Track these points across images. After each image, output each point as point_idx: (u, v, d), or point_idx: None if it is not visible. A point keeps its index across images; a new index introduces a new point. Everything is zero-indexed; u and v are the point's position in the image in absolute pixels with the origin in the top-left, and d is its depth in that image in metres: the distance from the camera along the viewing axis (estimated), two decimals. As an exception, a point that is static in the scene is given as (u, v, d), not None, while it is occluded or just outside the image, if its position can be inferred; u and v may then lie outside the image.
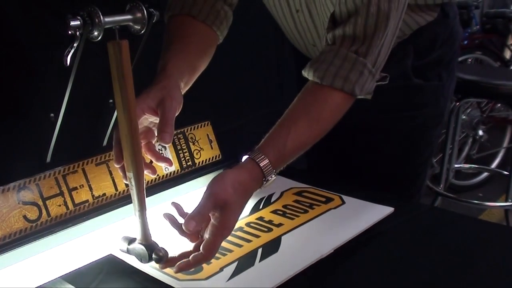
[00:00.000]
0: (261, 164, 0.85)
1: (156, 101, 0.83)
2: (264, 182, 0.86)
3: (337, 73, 0.90)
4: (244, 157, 0.87)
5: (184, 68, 0.93)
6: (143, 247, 0.82)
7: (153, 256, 0.81)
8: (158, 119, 0.82)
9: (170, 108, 0.82)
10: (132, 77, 0.77)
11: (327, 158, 1.36)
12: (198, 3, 1.00)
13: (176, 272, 0.81)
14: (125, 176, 0.82)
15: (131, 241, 0.84)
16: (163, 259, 0.81)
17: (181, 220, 0.82)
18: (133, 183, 0.81)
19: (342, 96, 0.92)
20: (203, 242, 0.80)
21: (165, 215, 0.84)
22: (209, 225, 0.81)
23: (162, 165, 0.92)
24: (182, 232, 0.82)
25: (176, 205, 0.85)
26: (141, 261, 0.83)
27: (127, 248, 0.84)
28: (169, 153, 1.12)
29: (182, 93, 0.91)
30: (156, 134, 0.83)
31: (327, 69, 0.91)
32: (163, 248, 0.82)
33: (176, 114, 0.85)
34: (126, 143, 0.79)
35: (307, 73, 0.94)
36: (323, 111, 0.92)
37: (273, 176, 0.87)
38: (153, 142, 0.88)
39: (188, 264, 0.80)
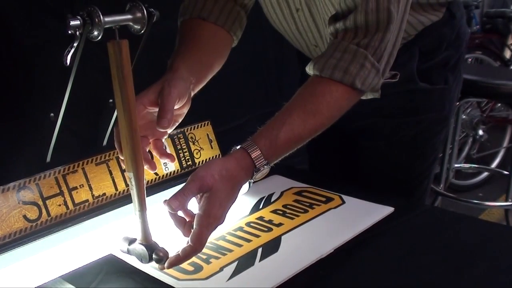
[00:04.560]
0: (252, 155, 0.83)
1: (156, 93, 0.84)
2: (255, 173, 0.84)
3: (336, 65, 0.88)
4: (237, 147, 0.85)
5: (194, 65, 0.93)
6: (143, 248, 0.82)
7: (154, 256, 0.81)
8: None
9: (168, 95, 0.82)
10: (132, 77, 0.77)
11: (331, 162, 1.35)
12: (208, 6, 1.01)
13: (168, 268, 0.80)
14: (126, 167, 0.82)
15: (131, 241, 0.84)
16: (164, 260, 0.80)
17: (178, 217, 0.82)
18: (133, 183, 0.81)
19: (342, 89, 0.89)
20: (191, 234, 0.78)
21: (165, 202, 0.81)
22: (195, 216, 0.79)
23: (165, 161, 0.93)
24: (178, 223, 0.81)
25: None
26: (142, 262, 0.83)
27: (128, 249, 0.84)
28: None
29: (196, 89, 0.92)
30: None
31: (327, 61, 0.89)
32: (164, 249, 0.81)
33: (178, 104, 0.85)
34: (126, 143, 0.79)
35: (308, 68, 0.93)
36: (320, 104, 0.89)
37: (266, 167, 0.85)
38: (163, 139, 0.89)
39: (178, 259, 0.79)
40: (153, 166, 0.86)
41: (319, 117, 0.89)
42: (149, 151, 0.90)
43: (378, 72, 0.91)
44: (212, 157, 1.20)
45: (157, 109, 0.84)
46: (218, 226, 0.80)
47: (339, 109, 0.91)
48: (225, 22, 1.03)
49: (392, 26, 0.89)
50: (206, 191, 0.79)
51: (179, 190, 0.80)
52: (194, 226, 0.79)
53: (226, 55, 1.04)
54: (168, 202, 0.79)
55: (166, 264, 0.80)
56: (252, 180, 0.86)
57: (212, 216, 0.79)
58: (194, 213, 0.81)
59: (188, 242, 0.79)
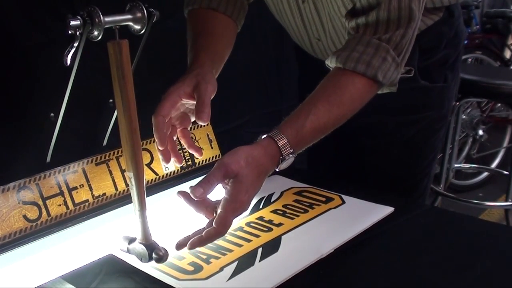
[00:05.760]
0: (279, 143, 0.85)
1: (191, 87, 0.88)
2: (281, 162, 0.86)
3: (359, 58, 0.91)
4: (263, 136, 0.87)
5: (214, 57, 0.98)
6: (143, 247, 0.82)
7: (153, 255, 0.81)
8: (195, 103, 0.87)
9: (205, 90, 0.87)
10: (132, 77, 0.78)
11: (330, 160, 1.35)
12: None
13: (190, 249, 0.81)
14: (164, 159, 0.87)
15: (131, 240, 0.84)
16: (164, 259, 0.81)
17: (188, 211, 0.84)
18: (133, 182, 0.81)
19: (364, 82, 0.92)
20: (216, 217, 0.80)
21: (179, 193, 0.84)
22: (221, 199, 0.81)
23: (194, 153, 0.96)
24: (198, 208, 0.83)
25: (183, 193, 0.85)
26: (142, 261, 0.83)
27: (127, 248, 0.85)
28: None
29: None
30: (191, 120, 0.91)
31: (350, 54, 0.91)
32: (163, 248, 0.82)
33: (211, 97, 0.89)
34: (126, 143, 0.79)
35: (329, 61, 0.95)
36: (343, 96, 0.91)
37: (291, 156, 0.87)
38: (188, 128, 0.93)
39: (201, 240, 0.80)
40: (179, 159, 0.91)
41: (343, 108, 0.91)
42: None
43: (398, 66, 0.94)
44: (212, 157, 1.20)
45: (190, 101, 0.88)
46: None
47: (361, 101, 0.94)
48: (232, 12, 1.06)
49: (413, 24, 0.92)
50: (232, 177, 0.81)
51: (204, 177, 0.81)
52: (220, 210, 0.80)
53: (233, 44, 1.07)
54: (192, 189, 0.80)
55: (188, 245, 0.81)
56: (277, 169, 0.88)
57: (239, 202, 0.80)
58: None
59: (213, 225, 0.80)
